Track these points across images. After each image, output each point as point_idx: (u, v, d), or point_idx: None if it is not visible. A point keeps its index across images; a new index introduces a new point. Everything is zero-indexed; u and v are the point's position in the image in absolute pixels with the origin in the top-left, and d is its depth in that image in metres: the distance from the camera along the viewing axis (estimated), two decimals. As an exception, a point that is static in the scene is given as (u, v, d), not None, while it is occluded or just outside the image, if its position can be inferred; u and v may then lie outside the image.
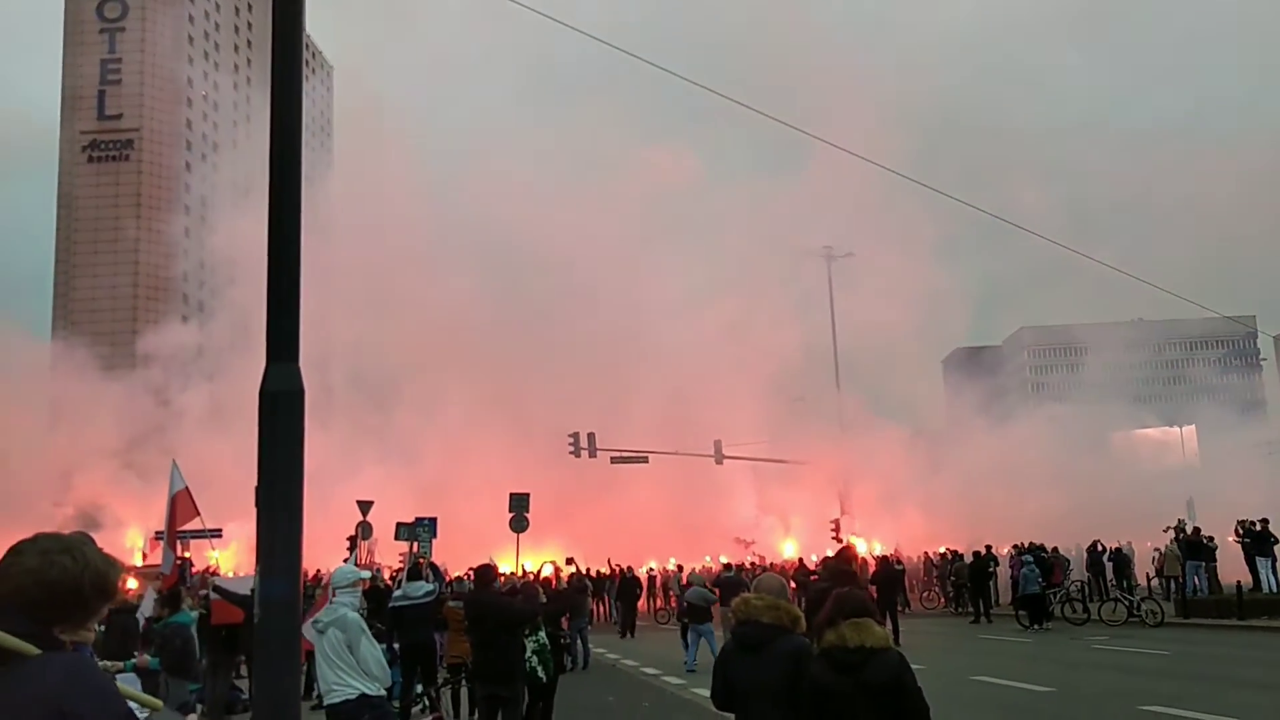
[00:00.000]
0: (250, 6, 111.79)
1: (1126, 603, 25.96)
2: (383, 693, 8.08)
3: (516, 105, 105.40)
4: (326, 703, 8.02)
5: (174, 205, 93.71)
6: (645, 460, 43.28)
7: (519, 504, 28.50)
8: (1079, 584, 29.64)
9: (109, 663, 8.50)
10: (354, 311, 48.81)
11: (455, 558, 27.51)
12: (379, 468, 40.88)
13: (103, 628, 11.03)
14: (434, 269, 48.41)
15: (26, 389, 46.91)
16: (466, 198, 49.64)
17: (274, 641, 4.91)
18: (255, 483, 4.98)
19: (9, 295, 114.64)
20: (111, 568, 2.34)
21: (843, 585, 5.96)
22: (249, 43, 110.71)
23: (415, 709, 13.12)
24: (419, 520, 25.65)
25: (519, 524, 28.16)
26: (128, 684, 7.15)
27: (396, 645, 13.17)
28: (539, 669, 10.68)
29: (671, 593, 34.45)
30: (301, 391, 5.09)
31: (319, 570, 22.87)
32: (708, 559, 39.85)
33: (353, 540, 27.82)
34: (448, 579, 20.57)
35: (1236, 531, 26.97)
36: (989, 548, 30.94)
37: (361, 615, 8.35)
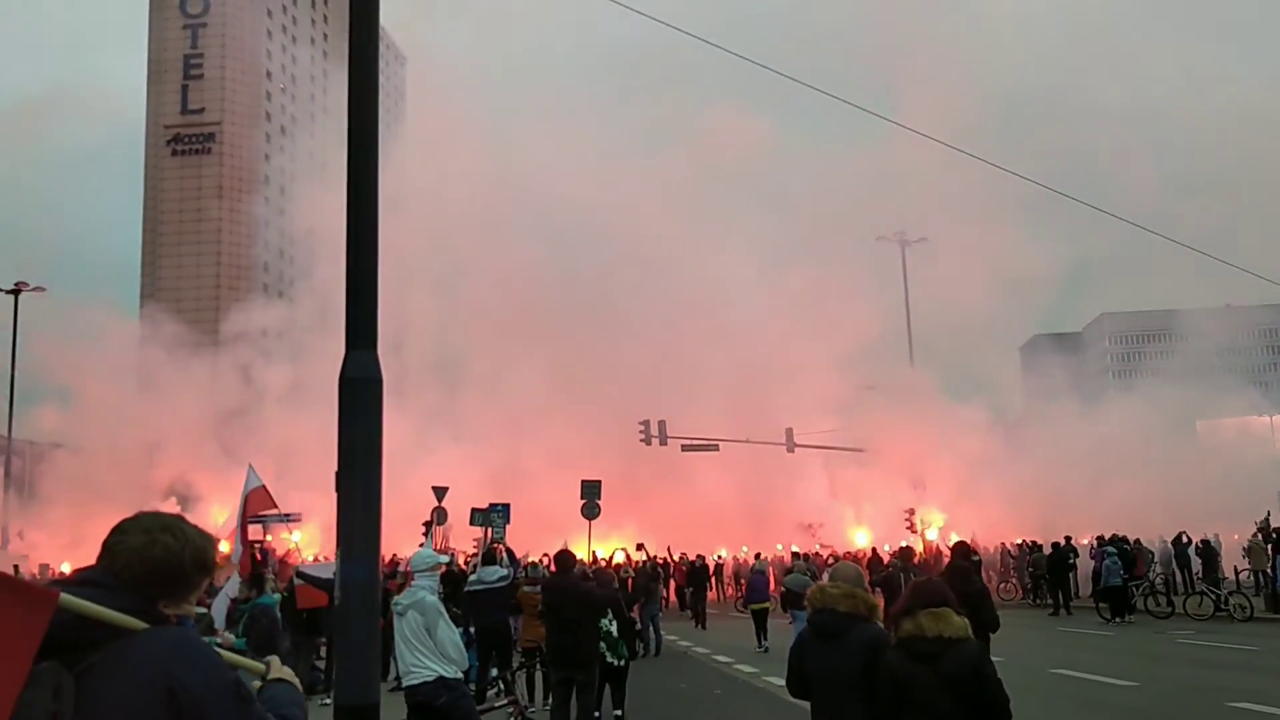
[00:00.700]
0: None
1: (1213, 596, 25.26)
2: (460, 675, 8.17)
3: (589, 85, 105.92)
4: (405, 684, 8.16)
5: (254, 186, 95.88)
6: (716, 449, 43.19)
7: (590, 491, 28.62)
8: (1163, 577, 28.90)
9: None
10: (428, 294, 49.48)
11: (525, 542, 27.69)
12: (451, 450, 41.23)
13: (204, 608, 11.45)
14: (505, 250, 48.54)
15: (117, 364, 48.33)
16: (537, 180, 49.64)
17: (354, 624, 5.01)
18: (335, 463, 5.05)
19: (98, 281, 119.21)
20: (209, 543, 2.44)
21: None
22: (325, 17, 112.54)
23: (490, 692, 13.28)
24: (493, 506, 25.88)
25: (590, 511, 28.27)
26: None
27: (472, 629, 13.35)
28: (607, 654, 10.82)
29: (743, 580, 34.33)
30: (379, 379, 5.15)
31: (394, 555, 23.18)
32: (779, 547, 39.64)
33: (428, 525, 28.19)
34: (522, 564, 20.73)
35: None
36: (1068, 538, 30.28)
37: (439, 599, 8.47)
